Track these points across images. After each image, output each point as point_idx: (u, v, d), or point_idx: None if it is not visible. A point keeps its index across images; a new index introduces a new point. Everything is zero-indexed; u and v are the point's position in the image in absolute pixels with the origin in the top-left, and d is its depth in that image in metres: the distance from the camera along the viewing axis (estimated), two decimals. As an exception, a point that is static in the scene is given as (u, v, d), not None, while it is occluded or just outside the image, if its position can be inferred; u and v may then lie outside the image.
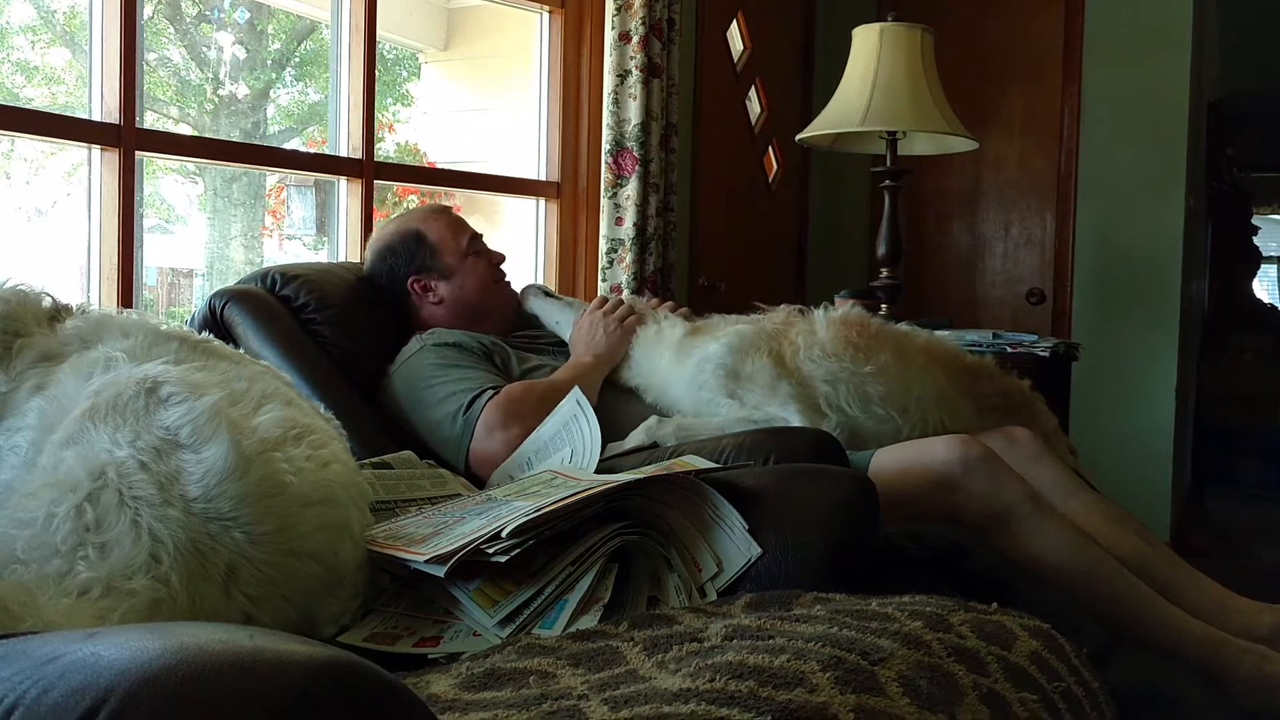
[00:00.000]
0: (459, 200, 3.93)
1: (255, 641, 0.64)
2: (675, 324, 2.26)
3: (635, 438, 2.04)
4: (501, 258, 2.51)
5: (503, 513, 1.44)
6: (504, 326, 2.45)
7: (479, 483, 1.97)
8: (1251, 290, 7.34)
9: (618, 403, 2.21)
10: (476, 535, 1.37)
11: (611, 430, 2.11)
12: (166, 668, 0.60)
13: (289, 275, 2.33)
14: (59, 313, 1.53)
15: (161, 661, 0.60)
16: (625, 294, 2.53)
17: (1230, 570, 2.20)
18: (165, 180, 3.82)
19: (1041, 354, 3.11)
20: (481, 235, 2.52)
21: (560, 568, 1.39)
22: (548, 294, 2.53)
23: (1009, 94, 4.50)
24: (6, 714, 0.59)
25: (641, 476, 1.50)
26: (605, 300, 2.42)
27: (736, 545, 1.48)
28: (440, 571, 1.34)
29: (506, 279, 2.54)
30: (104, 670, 0.60)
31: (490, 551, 1.34)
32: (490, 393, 2.10)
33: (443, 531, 1.45)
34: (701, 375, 2.10)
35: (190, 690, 0.59)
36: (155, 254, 3.85)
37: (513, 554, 1.34)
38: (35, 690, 0.60)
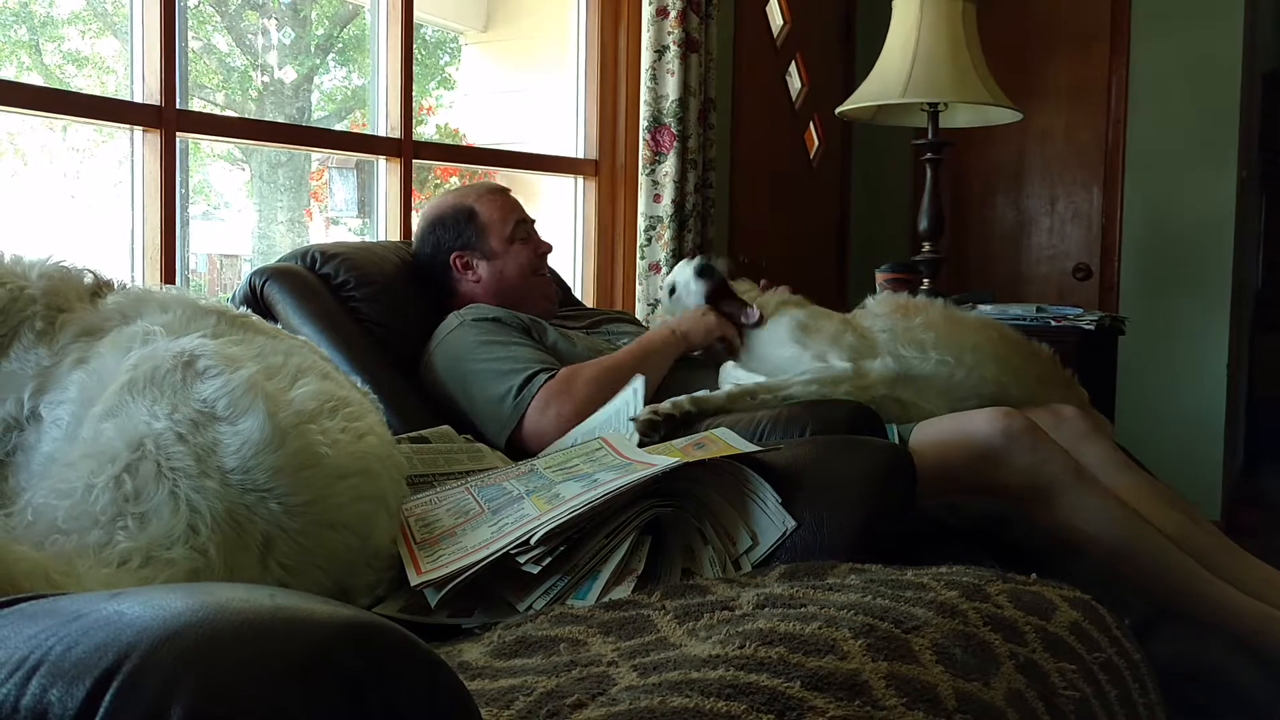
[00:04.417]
0: (498, 180, 3.94)
1: (276, 601, 0.64)
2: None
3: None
4: (548, 249, 2.50)
5: (528, 513, 1.41)
6: (539, 314, 2.40)
7: (520, 459, 1.97)
8: (1308, 264, 7.16)
9: (689, 374, 2.20)
10: (486, 555, 1.34)
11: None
12: (187, 625, 0.60)
13: (328, 253, 2.35)
14: (100, 289, 1.55)
15: (182, 619, 0.61)
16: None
17: (1283, 548, 2.16)
18: (214, 167, 3.86)
19: (1086, 327, 3.06)
20: (534, 221, 2.51)
21: (594, 541, 1.38)
22: (719, 288, 2.40)
23: (1054, 65, 4.41)
24: (32, 669, 0.60)
25: (682, 462, 1.47)
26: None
27: (770, 518, 1.47)
28: (433, 600, 1.33)
29: (546, 272, 2.52)
30: (126, 627, 0.61)
31: (522, 562, 1.33)
32: (545, 375, 2.09)
33: (466, 528, 1.43)
34: (779, 319, 2.27)
35: (210, 647, 0.59)
36: (205, 241, 3.90)
37: (544, 563, 1.32)
38: (60, 646, 0.61)
